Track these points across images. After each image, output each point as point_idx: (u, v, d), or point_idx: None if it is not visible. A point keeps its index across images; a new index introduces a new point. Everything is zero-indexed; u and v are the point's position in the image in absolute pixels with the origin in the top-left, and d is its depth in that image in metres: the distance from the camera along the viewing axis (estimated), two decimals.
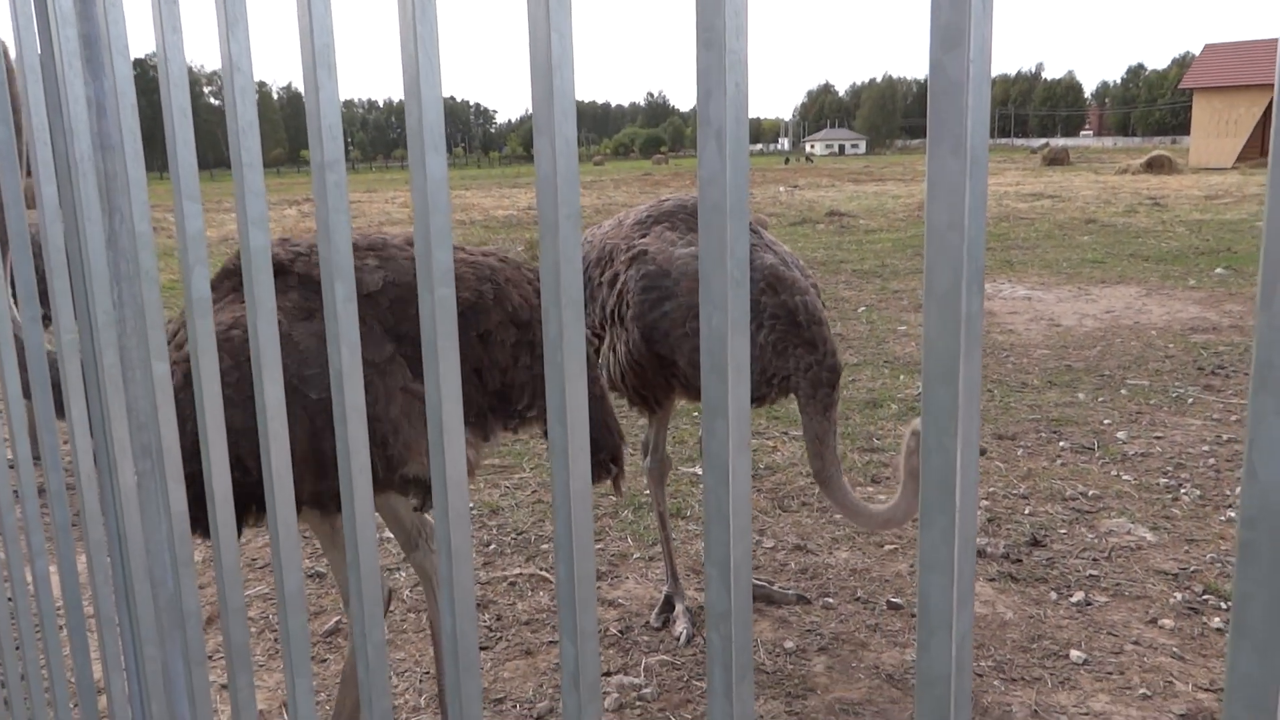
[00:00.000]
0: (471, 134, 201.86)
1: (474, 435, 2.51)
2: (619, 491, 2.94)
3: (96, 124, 1.25)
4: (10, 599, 1.86)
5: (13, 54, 1.44)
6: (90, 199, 1.25)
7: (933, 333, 0.57)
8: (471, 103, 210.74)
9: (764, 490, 4.88)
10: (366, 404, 1.24)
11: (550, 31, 0.79)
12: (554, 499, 0.86)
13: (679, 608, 3.66)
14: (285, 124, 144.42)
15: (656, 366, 3.34)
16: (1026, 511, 4.47)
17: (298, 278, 2.30)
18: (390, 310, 2.32)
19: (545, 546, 4.31)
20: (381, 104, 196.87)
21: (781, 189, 29.70)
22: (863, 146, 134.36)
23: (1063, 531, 4.25)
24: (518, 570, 4.10)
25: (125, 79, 1.20)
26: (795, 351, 3.13)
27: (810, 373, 3.12)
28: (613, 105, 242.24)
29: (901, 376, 6.86)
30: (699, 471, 5.09)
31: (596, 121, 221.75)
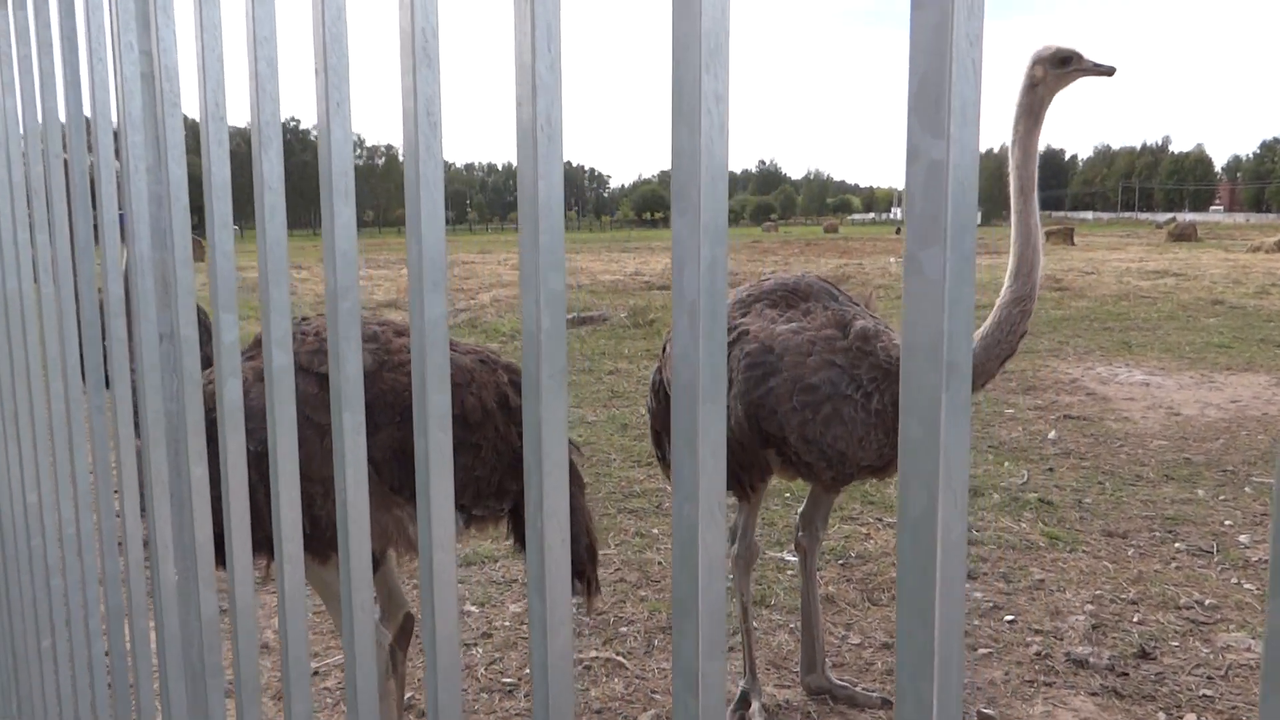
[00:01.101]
0: (585, 198, 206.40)
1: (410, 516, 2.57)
2: (590, 609, 2.90)
3: (154, 218, 1.28)
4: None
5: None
6: (148, 297, 1.27)
7: None
8: (587, 167, 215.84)
9: (854, 580, 4.71)
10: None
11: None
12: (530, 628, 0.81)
13: (755, 705, 3.52)
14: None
15: (760, 445, 3.29)
16: (1135, 619, 4.18)
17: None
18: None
19: (624, 630, 4.22)
20: (500, 167, 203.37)
21: (892, 260, 29.30)
22: (979, 217, 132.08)
23: (1175, 644, 3.95)
24: (594, 653, 4.02)
25: (179, 183, 1.23)
26: None
27: None
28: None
29: (1006, 464, 6.58)
30: (786, 557, 4.95)
31: None
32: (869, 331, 3.13)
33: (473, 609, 4.45)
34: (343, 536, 0.99)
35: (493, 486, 2.62)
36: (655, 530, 5.39)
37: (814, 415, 3.09)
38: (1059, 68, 2.88)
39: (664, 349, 3.75)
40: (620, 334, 12.75)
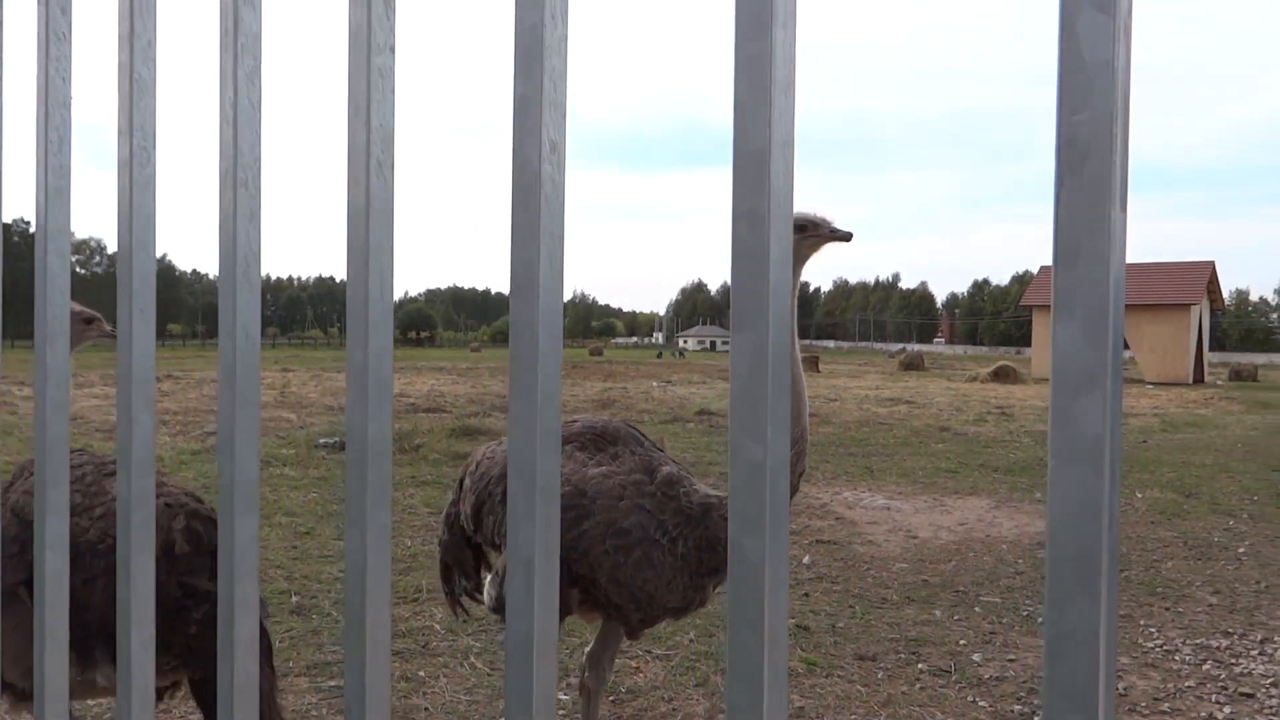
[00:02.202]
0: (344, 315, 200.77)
1: (79, 660, 2.50)
2: None
3: None
4: None
5: None
6: None
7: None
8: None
9: (624, 717, 4.68)
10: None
11: (369, 221, 0.77)
12: None
13: None
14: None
15: (566, 585, 3.29)
16: None
17: None
18: None
19: None
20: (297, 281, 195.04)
21: (655, 384, 30.30)
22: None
23: None
24: None
25: None
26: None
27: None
28: (492, 292, 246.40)
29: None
30: (561, 696, 4.86)
31: (476, 308, 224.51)
32: (673, 477, 3.28)
33: None
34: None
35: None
36: (422, 673, 5.15)
37: (625, 559, 3.16)
38: (799, 233, 3.15)
39: (461, 482, 3.71)
40: None
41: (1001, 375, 36.07)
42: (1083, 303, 0.53)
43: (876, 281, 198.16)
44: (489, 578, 3.54)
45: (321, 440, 13.45)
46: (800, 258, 3.15)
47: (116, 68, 1.14)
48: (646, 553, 3.16)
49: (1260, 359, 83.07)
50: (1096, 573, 0.52)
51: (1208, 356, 43.52)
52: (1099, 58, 0.51)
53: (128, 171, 1.11)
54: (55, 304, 1.24)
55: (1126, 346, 44.10)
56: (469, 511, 3.58)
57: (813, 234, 3.15)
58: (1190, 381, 39.00)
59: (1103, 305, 0.52)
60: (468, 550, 3.74)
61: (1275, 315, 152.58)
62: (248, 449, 1.00)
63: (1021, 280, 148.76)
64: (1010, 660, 5.43)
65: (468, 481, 3.66)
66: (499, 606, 3.44)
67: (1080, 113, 0.52)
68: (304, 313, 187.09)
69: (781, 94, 0.64)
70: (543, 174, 0.76)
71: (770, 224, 0.64)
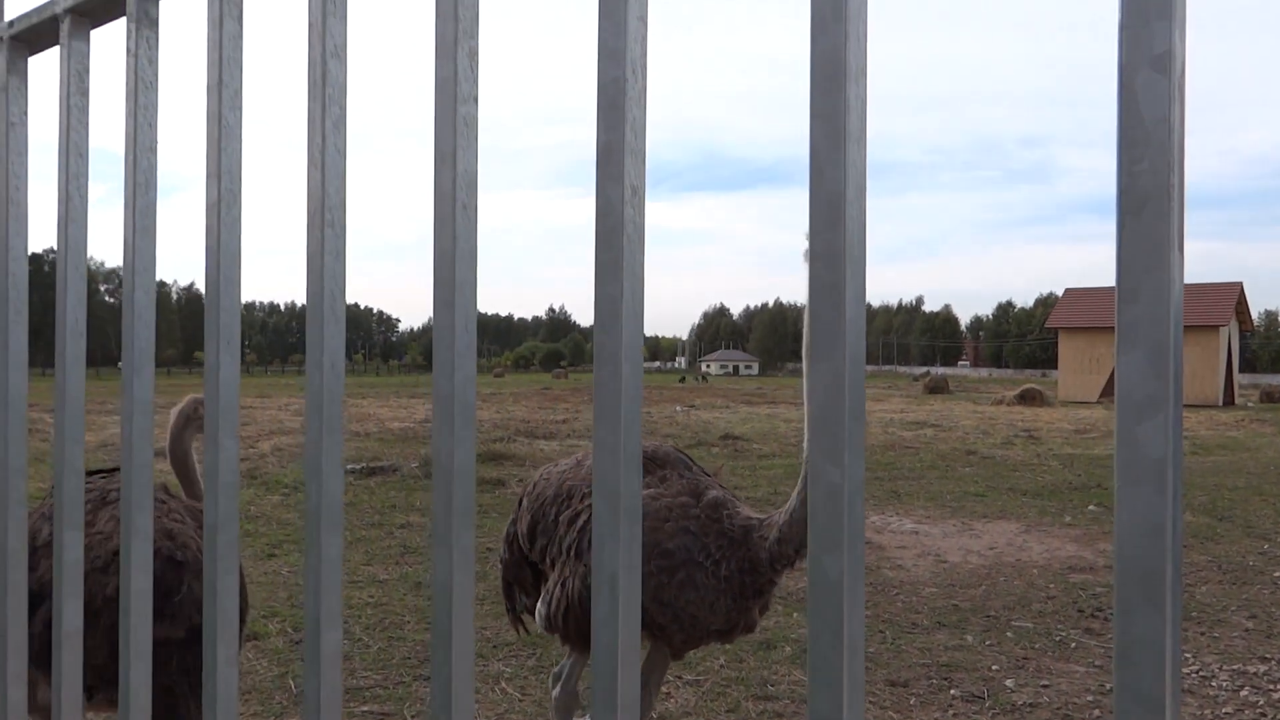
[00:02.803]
0: (372, 341, 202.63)
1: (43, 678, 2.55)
2: None
3: None
4: None
5: None
6: None
7: None
8: (375, 309, 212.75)
9: None
10: None
11: (455, 247, 0.82)
12: None
13: None
14: (181, 324, 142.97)
15: None
16: None
17: None
18: None
19: None
20: (283, 308, 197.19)
21: (678, 408, 30.32)
22: (756, 368, 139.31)
23: None
24: None
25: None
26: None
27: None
28: (515, 318, 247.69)
29: (795, 615, 6.83)
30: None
31: (499, 334, 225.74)
32: (719, 501, 3.32)
33: None
34: None
35: (111, 672, 2.56)
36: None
37: (669, 579, 3.22)
38: None
39: (520, 501, 3.80)
40: (411, 485, 12.44)
41: (1027, 398, 35.82)
42: (1145, 335, 0.58)
43: (900, 304, 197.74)
44: (541, 597, 3.60)
45: (349, 467, 13.56)
46: None
47: (205, 115, 1.21)
48: (690, 574, 3.21)
49: None
50: (1162, 585, 0.56)
51: (1238, 378, 43.07)
52: (1156, 115, 0.56)
53: (216, 213, 1.19)
54: (142, 337, 1.31)
55: None
56: (524, 531, 3.68)
57: None
58: (1220, 403, 38.59)
59: (1163, 338, 0.57)
60: (526, 568, 3.82)
61: None
62: (333, 471, 1.06)
63: (1045, 302, 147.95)
64: (1044, 686, 5.40)
65: (525, 502, 3.76)
66: (550, 625, 3.51)
67: (1140, 163, 0.57)
68: None
69: (855, 144, 0.69)
70: (625, 216, 0.82)
71: (846, 263, 0.69)
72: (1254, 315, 49.03)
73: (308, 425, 1.05)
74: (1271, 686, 5.35)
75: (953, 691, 5.34)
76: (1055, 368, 51.03)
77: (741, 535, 3.25)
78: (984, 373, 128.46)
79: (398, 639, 6.10)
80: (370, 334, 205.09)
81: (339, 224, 1.07)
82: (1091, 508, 11.37)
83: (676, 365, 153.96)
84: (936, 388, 48.57)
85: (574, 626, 3.47)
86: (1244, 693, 5.25)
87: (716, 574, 3.22)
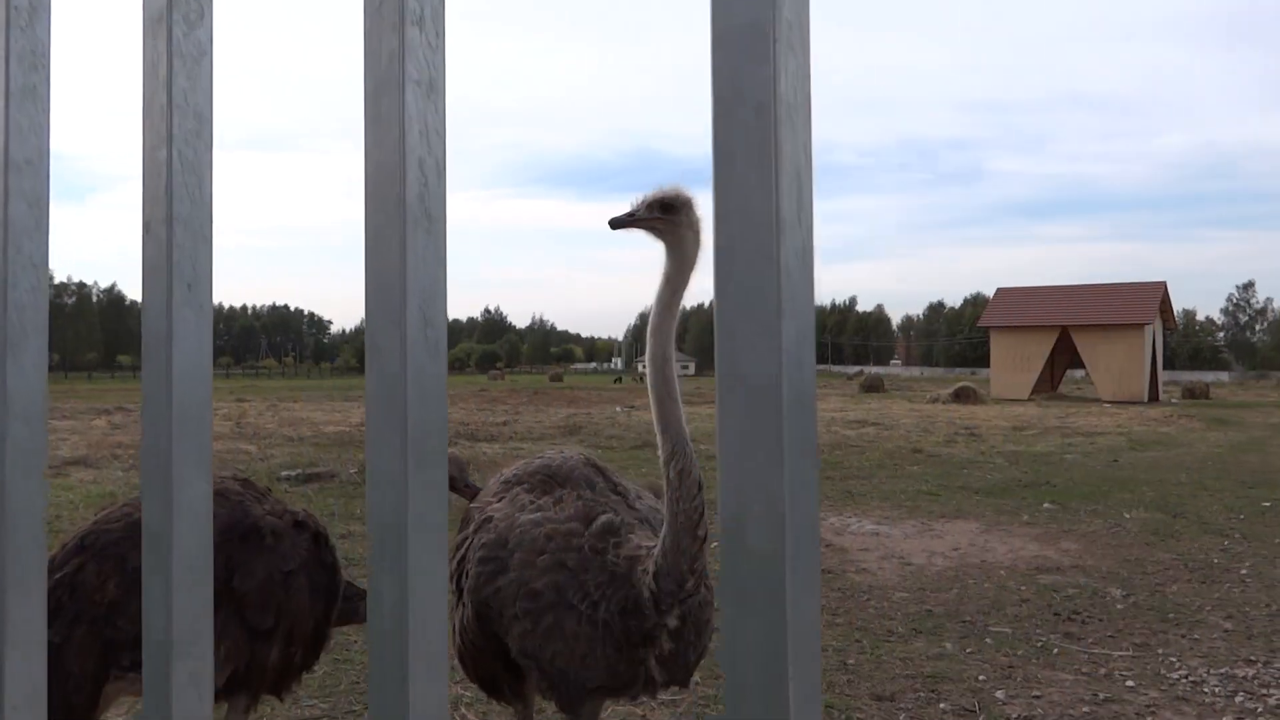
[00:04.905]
0: (304, 343, 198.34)
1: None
2: None
3: None
4: None
5: None
6: None
7: None
8: (305, 311, 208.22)
9: None
10: None
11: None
12: None
13: None
14: (103, 326, 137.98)
15: (495, 649, 2.92)
16: None
17: None
18: None
19: None
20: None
21: (619, 409, 29.95)
22: (692, 368, 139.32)
23: None
24: None
25: None
26: None
27: None
28: (450, 320, 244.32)
29: None
30: None
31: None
32: (610, 526, 2.73)
33: None
34: None
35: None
36: None
37: (534, 626, 2.68)
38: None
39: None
40: (351, 491, 11.84)
41: (963, 396, 36.24)
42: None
43: (833, 305, 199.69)
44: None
45: (284, 473, 12.92)
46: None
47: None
48: (558, 620, 2.65)
49: (1209, 376, 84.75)
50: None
51: (1161, 375, 44.15)
52: None
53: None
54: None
55: (1082, 366, 44.66)
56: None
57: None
58: (1146, 400, 39.48)
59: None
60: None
61: (1221, 334, 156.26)
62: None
63: (974, 302, 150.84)
64: (1035, 697, 5.15)
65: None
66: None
67: None
68: (258, 342, 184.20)
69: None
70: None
71: None
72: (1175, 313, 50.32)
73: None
74: (1265, 691, 5.17)
75: (942, 705, 5.06)
76: (985, 366, 51.79)
77: (626, 569, 2.63)
78: (916, 371, 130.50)
79: (343, 661, 5.64)
80: (301, 336, 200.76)
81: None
82: (1047, 505, 11.28)
83: (613, 366, 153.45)
84: (872, 386, 48.98)
85: (475, 674, 3.17)
86: (1239, 699, 5.06)
87: (593, 619, 2.62)
